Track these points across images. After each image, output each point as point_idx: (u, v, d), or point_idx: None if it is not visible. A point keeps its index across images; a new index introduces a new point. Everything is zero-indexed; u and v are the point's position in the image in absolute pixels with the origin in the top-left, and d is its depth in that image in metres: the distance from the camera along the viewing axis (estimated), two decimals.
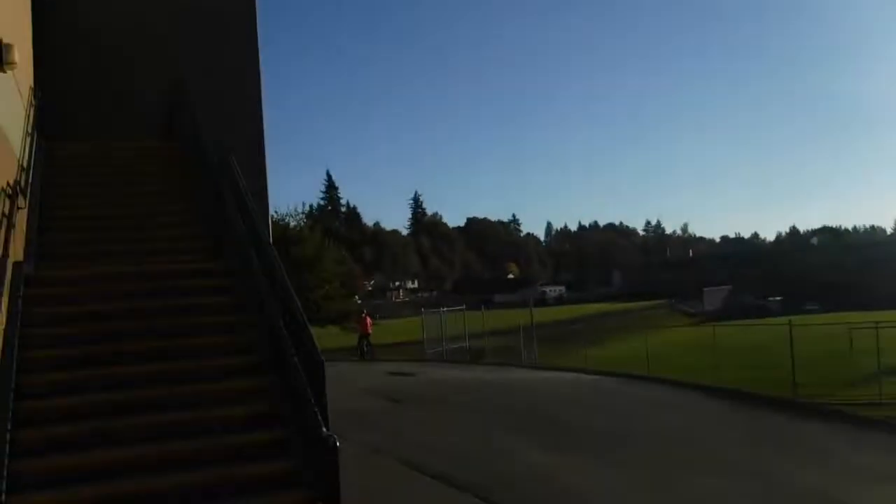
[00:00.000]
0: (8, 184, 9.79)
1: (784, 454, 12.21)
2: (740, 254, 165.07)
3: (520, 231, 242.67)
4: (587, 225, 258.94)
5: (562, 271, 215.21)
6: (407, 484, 10.53)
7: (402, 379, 23.14)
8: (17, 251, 9.70)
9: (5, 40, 9.59)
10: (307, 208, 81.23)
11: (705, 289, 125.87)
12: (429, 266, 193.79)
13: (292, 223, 48.33)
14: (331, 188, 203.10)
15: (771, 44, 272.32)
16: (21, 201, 10.42)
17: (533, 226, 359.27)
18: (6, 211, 9.40)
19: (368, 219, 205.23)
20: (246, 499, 7.70)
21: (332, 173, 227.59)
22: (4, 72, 9.77)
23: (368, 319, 39.35)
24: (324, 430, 7.25)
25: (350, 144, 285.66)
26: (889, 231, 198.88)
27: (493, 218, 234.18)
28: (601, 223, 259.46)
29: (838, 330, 30.04)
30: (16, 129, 11.14)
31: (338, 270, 47.84)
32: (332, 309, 45.37)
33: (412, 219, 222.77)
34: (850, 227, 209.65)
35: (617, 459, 11.68)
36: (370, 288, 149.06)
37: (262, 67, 17.98)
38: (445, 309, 39.84)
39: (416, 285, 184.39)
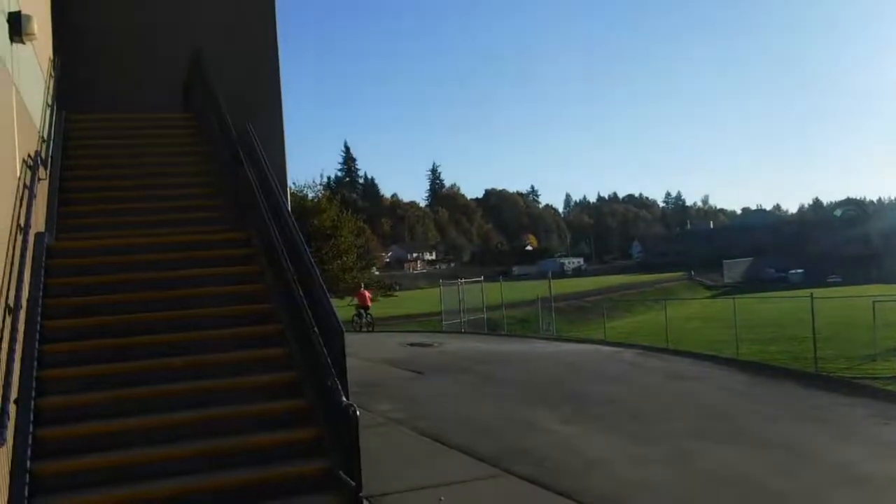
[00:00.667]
0: (29, 155, 9.84)
1: (806, 427, 12.11)
2: (762, 226, 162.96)
3: (538, 202, 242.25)
4: (606, 196, 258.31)
5: (581, 243, 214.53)
6: (426, 454, 10.53)
7: (421, 350, 23.16)
8: (38, 222, 9.75)
9: (24, 11, 9.59)
10: (325, 180, 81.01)
11: (725, 261, 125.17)
12: (447, 237, 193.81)
13: (310, 195, 48.28)
14: (349, 160, 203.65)
15: (793, 14, 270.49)
16: (42, 172, 10.48)
17: (552, 197, 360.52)
18: (27, 182, 9.44)
19: (386, 190, 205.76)
20: (266, 468, 7.76)
21: (350, 145, 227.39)
22: (24, 43, 9.77)
23: (367, 293, 39.50)
24: (344, 399, 7.26)
25: (368, 116, 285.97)
26: None
27: (512, 189, 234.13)
28: (621, 195, 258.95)
29: (861, 303, 29.74)
30: (36, 101, 11.17)
31: (355, 242, 47.79)
32: (350, 280, 45.37)
33: (430, 190, 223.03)
34: (874, 198, 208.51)
35: (638, 431, 11.63)
36: (388, 259, 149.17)
37: (280, 37, 17.95)
38: (463, 280, 39.80)
39: (433, 257, 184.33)
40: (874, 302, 26.62)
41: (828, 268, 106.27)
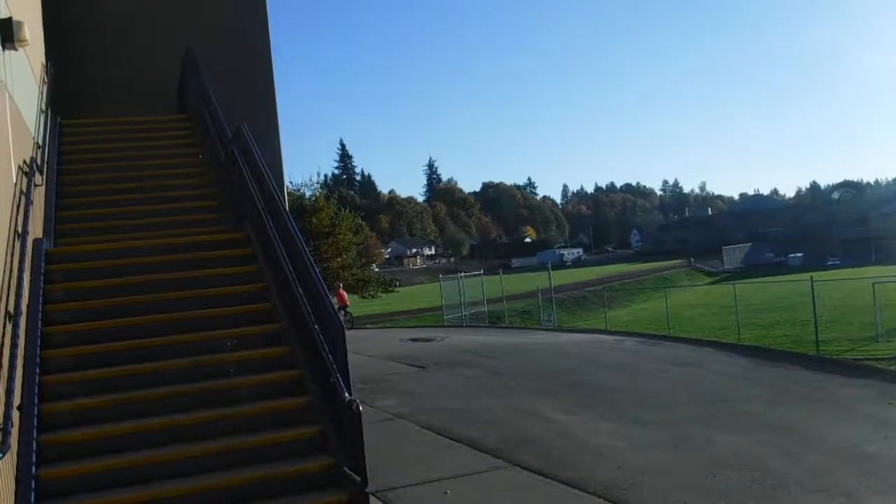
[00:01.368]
0: (24, 161, 9.84)
1: (810, 409, 12.13)
2: (760, 211, 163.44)
3: (536, 194, 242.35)
4: (604, 186, 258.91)
5: (580, 234, 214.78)
6: (431, 448, 10.57)
7: (423, 345, 23.19)
8: (36, 228, 9.75)
9: (16, 18, 9.58)
10: (322, 178, 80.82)
11: (725, 247, 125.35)
12: (445, 232, 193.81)
13: (307, 193, 48.25)
14: (345, 157, 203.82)
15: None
16: (38, 178, 10.48)
17: (549, 188, 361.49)
18: (24, 188, 9.44)
19: (383, 187, 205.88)
20: (272, 466, 7.77)
21: (345, 143, 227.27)
22: (17, 49, 9.77)
23: (344, 293, 39.58)
24: (346, 395, 7.27)
25: (363, 113, 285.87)
26: None
27: (509, 182, 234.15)
28: (618, 184, 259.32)
29: (860, 285, 29.85)
30: (30, 107, 11.17)
31: (354, 239, 47.75)
32: (350, 277, 45.35)
33: (427, 185, 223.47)
34: (871, 180, 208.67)
35: (641, 418, 11.67)
36: (387, 256, 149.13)
37: (272, 35, 17.95)
38: (463, 274, 39.85)
39: (433, 252, 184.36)
40: (874, 283, 26.79)
41: (827, 251, 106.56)
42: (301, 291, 8.75)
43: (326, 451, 7.91)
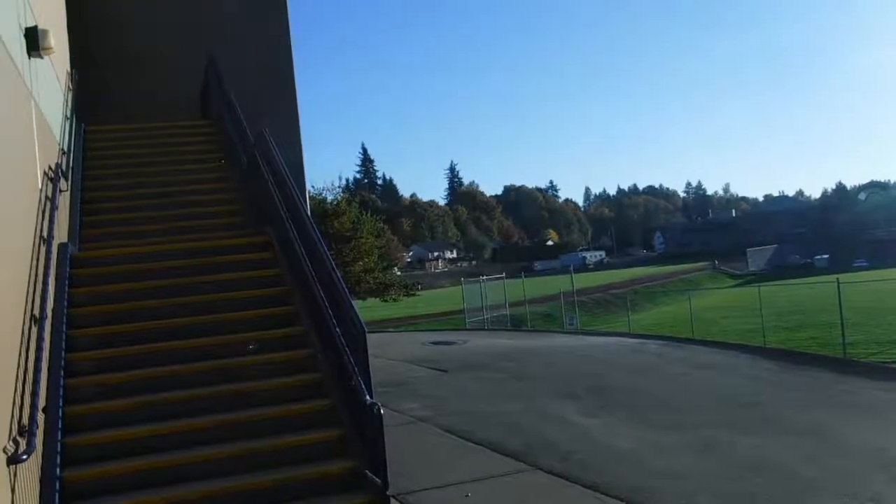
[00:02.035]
0: (49, 167, 9.94)
1: (837, 413, 12.00)
2: (785, 212, 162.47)
3: (558, 197, 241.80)
4: (626, 189, 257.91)
5: (602, 236, 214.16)
6: (452, 451, 10.56)
7: (445, 348, 23.16)
8: (61, 233, 9.85)
9: (41, 26, 9.68)
10: (344, 182, 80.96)
11: (749, 249, 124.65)
12: (467, 235, 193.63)
13: (329, 197, 48.31)
14: (366, 161, 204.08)
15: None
16: (63, 184, 10.58)
17: (571, 191, 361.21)
18: (49, 194, 9.54)
19: (405, 190, 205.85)
20: (291, 469, 7.81)
21: (367, 147, 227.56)
22: (42, 57, 9.87)
23: None
24: (367, 398, 7.29)
25: (385, 117, 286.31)
26: None
27: (531, 185, 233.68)
28: (640, 186, 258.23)
29: (888, 287, 29.50)
30: (55, 114, 11.28)
31: (376, 243, 47.75)
32: (371, 281, 45.39)
33: (449, 189, 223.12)
34: None
35: (665, 422, 11.61)
36: (409, 259, 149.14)
37: (294, 40, 18.01)
38: (485, 277, 39.79)
39: (454, 255, 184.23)
40: None
41: (854, 252, 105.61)
42: (322, 295, 8.78)
43: (347, 454, 7.94)
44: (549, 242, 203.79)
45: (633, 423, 11.64)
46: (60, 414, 7.50)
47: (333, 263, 8.91)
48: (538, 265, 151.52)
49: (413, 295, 52.89)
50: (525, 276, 46.66)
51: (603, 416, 12.16)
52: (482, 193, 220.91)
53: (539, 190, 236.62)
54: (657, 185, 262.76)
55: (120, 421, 8.17)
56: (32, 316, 7.62)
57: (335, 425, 8.30)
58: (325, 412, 8.51)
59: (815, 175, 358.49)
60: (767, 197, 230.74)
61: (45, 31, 9.63)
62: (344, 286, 8.43)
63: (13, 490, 5.83)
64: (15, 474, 5.90)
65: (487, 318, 35.93)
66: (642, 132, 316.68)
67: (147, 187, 13.01)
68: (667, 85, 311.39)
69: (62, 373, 8.01)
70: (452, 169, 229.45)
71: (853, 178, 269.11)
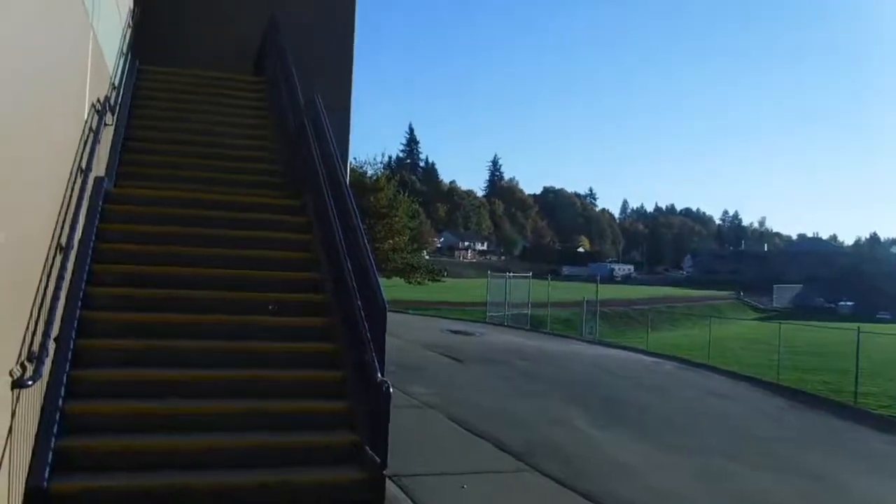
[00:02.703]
0: (98, 99, 9.92)
1: (839, 458, 11.97)
2: (816, 254, 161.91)
3: (595, 205, 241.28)
4: (664, 207, 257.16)
5: (633, 251, 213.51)
6: (455, 441, 10.53)
7: (463, 338, 23.16)
8: (99, 167, 9.84)
9: None
10: (386, 159, 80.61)
11: (776, 285, 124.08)
12: (500, 230, 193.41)
13: (370, 172, 48.25)
14: (412, 142, 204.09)
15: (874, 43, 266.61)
16: (109, 118, 10.56)
17: (609, 202, 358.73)
18: (94, 126, 9.52)
19: (445, 176, 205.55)
20: (295, 434, 7.80)
21: (414, 127, 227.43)
22: None
23: None
24: (379, 375, 7.25)
25: (436, 100, 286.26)
26: None
27: (570, 189, 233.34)
28: (678, 207, 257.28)
29: None
30: (111, 47, 11.26)
31: (409, 224, 47.66)
32: (399, 261, 45.35)
33: (489, 181, 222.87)
34: None
35: (668, 442, 11.55)
36: (439, 245, 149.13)
37: (358, 9, 17.86)
38: (512, 274, 39.69)
39: (485, 247, 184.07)
40: None
41: (878, 304, 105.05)
42: (350, 266, 8.74)
43: (352, 428, 7.90)
44: (580, 249, 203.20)
45: (637, 439, 11.58)
46: (72, 346, 7.50)
47: (365, 236, 8.86)
48: (566, 270, 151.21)
49: (438, 281, 52.80)
50: (551, 279, 46.45)
51: (608, 428, 12.11)
52: (521, 191, 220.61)
53: (577, 195, 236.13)
54: (694, 209, 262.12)
55: (130, 360, 8.16)
56: (59, 244, 7.61)
57: (343, 398, 8.27)
58: (336, 383, 8.47)
59: (851, 222, 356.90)
60: (801, 236, 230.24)
61: None
62: (372, 261, 8.38)
63: (13, 415, 5.81)
64: (17, 399, 5.88)
65: (508, 315, 35.86)
66: (689, 153, 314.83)
67: (192, 134, 12.95)
68: (722, 112, 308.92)
69: (79, 304, 8.01)
70: (495, 162, 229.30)
71: (888, 231, 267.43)
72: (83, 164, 8.87)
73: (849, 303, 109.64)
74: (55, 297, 7.01)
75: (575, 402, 13.82)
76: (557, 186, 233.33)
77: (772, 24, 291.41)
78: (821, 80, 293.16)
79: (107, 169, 10.56)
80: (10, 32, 5.54)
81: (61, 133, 7.86)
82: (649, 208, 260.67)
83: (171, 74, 14.82)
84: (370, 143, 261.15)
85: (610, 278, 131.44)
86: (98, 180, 9.60)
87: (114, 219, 9.82)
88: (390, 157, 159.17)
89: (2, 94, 5.41)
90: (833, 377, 30.14)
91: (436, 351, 18.94)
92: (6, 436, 5.64)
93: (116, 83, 11.77)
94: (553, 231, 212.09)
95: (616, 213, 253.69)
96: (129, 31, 13.33)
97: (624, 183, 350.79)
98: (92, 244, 8.86)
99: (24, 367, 6.11)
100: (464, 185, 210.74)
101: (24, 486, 6.13)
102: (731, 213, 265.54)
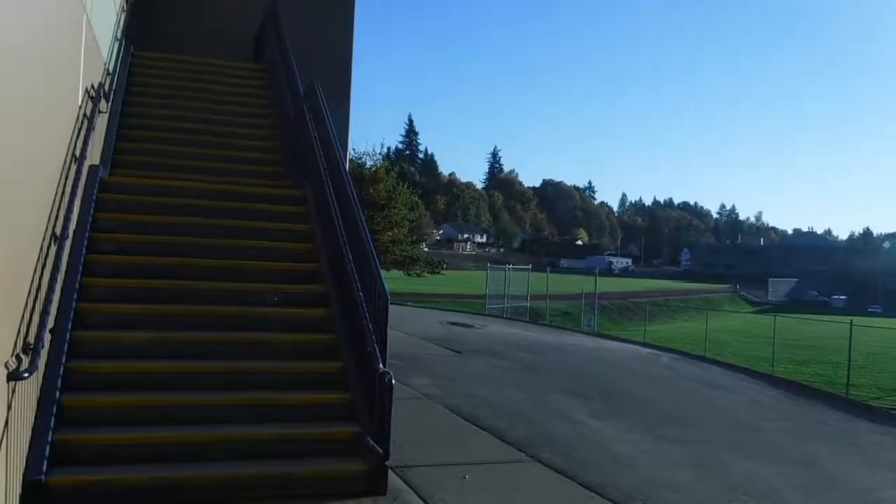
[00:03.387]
0: (92, 85, 9.78)
1: (833, 448, 11.99)
2: (811, 249, 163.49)
3: (594, 198, 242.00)
4: (662, 201, 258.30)
5: (631, 244, 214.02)
6: (456, 432, 10.46)
7: (462, 330, 23.09)
8: (94, 154, 9.71)
9: None
10: (385, 150, 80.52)
11: (771, 279, 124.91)
12: (499, 222, 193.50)
13: (369, 163, 48.16)
14: (411, 133, 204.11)
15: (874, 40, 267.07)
16: (103, 105, 10.43)
17: (608, 195, 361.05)
18: (88, 112, 9.39)
19: (445, 168, 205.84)
20: (296, 425, 7.77)
21: (413, 118, 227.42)
22: None
23: None
24: (381, 366, 7.17)
25: (436, 91, 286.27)
26: None
27: (569, 182, 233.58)
28: (676, 200, 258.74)
29: None
30: (105, 32, 11.10)
31: (408, 216, 47.62)
32: (398, 253, 45.35)
33: (488, 173, 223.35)
34: None
35: (667, 434, 11.51)
36: (438, 237, 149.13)
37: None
38: (511, 266, 39.68)
39: (484, 240, 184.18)
40: None
41: (870, 298, 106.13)
42: (350, 257, 8.65)
43: (353, 419, 7.84)
44: (579, 242, 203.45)
45: (637, 430, 11.55)
46: (68, 338, 7.40)
47: (366, 226, 8.77)
48: (564, 263, 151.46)
49: (437, 273, 52.91)
50: (550, 272, 46.47)
51: (608, 419, 12.06)
52: (520, 183, 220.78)
53: (577, 188, 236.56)
54: (692, 203, 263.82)
55: (128, 352, 8.06)
56: (53, 234, 7.49)
57: (345, 389, 8.19)
58: (337, 375, 8.41)
59: (845, 217, 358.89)
60: (797, 231, 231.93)
61: None
62: (374, 252, 8.29)
63: (10, 407, 5.70)
64: (13, 391, 5.77)
65: (507, 307, 35.83)
66: (688, 148, 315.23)
67: (188, 122, 12.84)
68: (722, 107, 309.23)
69: (75, 296, 7.92)
70: (495, 154, 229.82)
71: (882, 226, 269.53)
72: (77, 152, 8.72)
73: (842, 297, 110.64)
74: (50, 289, 6.90)
75: (575, 394, 13.77)
76: (557, 179, 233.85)
77: (774, 23, 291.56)
78: (818, 78, 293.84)
79: (102, 157, 10.46)
80: (1, 15, 5.41)
81: (54, 119, 7.72)
82: (647, 202, 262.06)
83: (168, 61, 14.68)
84: (369, 135, 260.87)
85: (608, 271, 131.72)
86: (93, 168, 9.50)
87: (110, 208, 9.72)
88: (389, 149, 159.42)
89: None
90: (826, 369, 30.68)
91: (435, 343, 18.86)
92: (2, 428, 5.53)
93: (111, 69, 11.63)
94: (552, 224, 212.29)
95: (615, 206, 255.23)
96: (124, 15, 13.16)
97: (623, 176, 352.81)
98: (87, 234, 8.77)
99: (19, 360, 6.00)
100: (463, 176, 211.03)
101: (21, 479, 6.04)
102: (728, 207, 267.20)
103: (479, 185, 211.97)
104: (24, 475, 6.08)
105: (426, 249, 76.38)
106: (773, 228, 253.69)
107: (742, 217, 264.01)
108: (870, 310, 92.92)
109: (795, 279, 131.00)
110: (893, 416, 16.06)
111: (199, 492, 6.78)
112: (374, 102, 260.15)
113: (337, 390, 8.22)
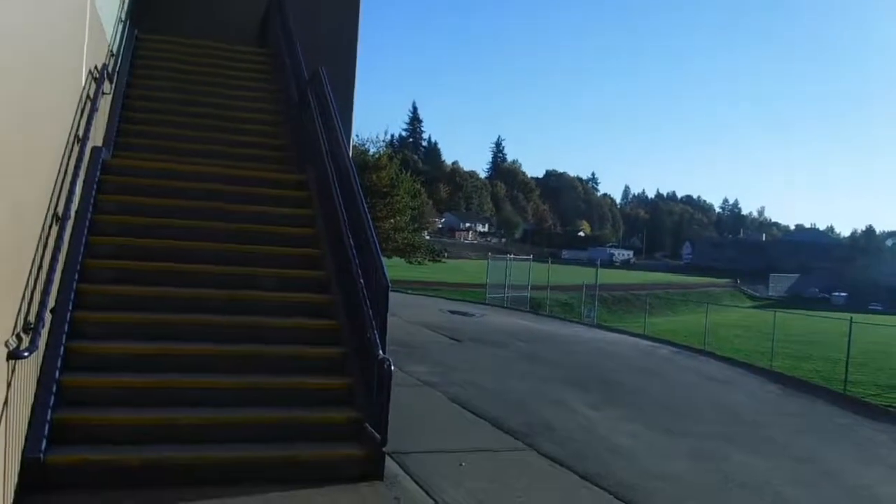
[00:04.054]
0: (96, 67, 9.75)
1: (830, 443, 12.11)
2: (812, 245, 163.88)
3: (597, 190, 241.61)
4: (665, 194, 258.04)
5: (633, 237, 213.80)
6: (454, 420, 10.48)
7: (462, 319, 23.13)
8: (96, 136, 9.69)
9: None
10: (389, 137, 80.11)
11: (772, 274, 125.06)
12: (502, 212, 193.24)
13: (372, 150, 48.02)
14: (415, 121, 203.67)
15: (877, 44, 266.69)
16: (107, 86, 10.40)
17: (611, 187, 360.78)
18: (91, 94, 9.36)
19: (448, 157, 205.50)
20: (295, 410, 7.77)
21: (418, 106, 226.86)
22: None
23: None
24: (380, 352, 7.17)
25: (441, 79, 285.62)
26: None
27: (573, 173, 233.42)
28: (679, 194, 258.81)
29: None
30: (109, 13, 11.05)
31: (411, 203, 47.49)
32: (400, 241, 45.25)
33: (491, 163, 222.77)
34: None
35: (664, 425, 11.56)
36: (440, 225, 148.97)
37: None
38: (512, 256, 39.68)
39: (486, 229, 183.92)
40: None
41: (871, 295, 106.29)
42: (352, 243, 8.65)
43: (352, 404, 7.86)
44: (581, 233, 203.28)
45: (635, 421, 11.58)
46: (68, 318, 7.41)
47: (367, 213, 8.76)
48: (566, 254, 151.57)
49: (438, 261, 52.78)
50: (551, 262, 46.44)
51: (607, 410, 12.09)
52: (523, 173, 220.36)
53: (580, 180, 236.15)
54: (695, 196, 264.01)
55: (128, 334, 8.06)
56: (55, 214, 7.48)
57: (345, 374, 8.22)
58: (338, 360, 8.42)
59: (847, 214, 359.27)
60: (799, 227, 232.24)
61: None
62: (375, 238, 8.29)
63: (9, 385, 5.71)
64: (13, 370, 5.78)
65: (508, 297, 35.83)
66: (692, 141, 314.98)
67: (192, 105, 12.80)
68: (726, 100, 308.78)
69: (76, 277, 7.92)
70: (498, 144, 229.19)
71: (884, 224, 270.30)
72: (80, 133, 8.70)
73: (842, 293, 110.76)
74: (51, 269, 6.89)
75: (573, 384, 13.79)
76: (560, 170, 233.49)
77: (779, 12, 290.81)
78: (821, 73, 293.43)
79: (104, 139, 10.44)
80: None
81: (57, 99, 7.69)
82: (650, 194, 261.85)
83: (172, 43, 14.62)
84: (373, 122, 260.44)
85: (609, 263, 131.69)
86: (96, 150, 9.49)
87: (112, 190, 9.72)
88: (393, 136, 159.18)
89: None
90: (824, 365, 30.84)
91: (435, 331, 18.88)
92: (2, 406, 5.54)
93: (114, 51, 11.60)
94: (554, 214, 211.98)
95: (617, 198, 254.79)
96: None
97: (626, 168, 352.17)
98: (89, 215, 8.77)
99: (19, 339, 6.00)
100: (466, 165, 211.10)
101: (20, 457, 6.06)
102: (731, 201, 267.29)
103: (483, 175, 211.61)
104: (23, 453, 6.11)
105: (428, 237, 76.33)
106: (776, 224, 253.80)
107: (745, 212, 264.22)
108: (870, 307, 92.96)
109: (796, 275, 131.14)
110: (890, 413, 16.19)
111: (201, 474, 6.80)
112: (379, 90, 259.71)
113: (337, 376, 8.24)
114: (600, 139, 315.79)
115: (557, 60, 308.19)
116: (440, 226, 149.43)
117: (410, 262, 48.41)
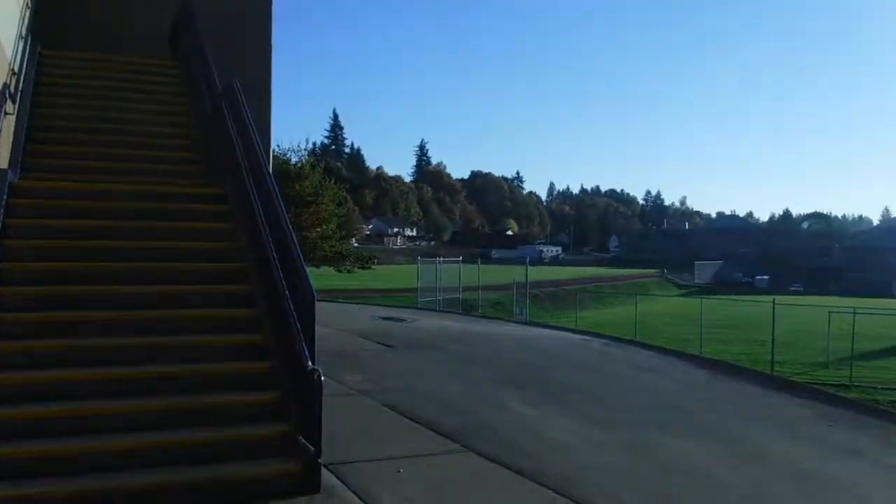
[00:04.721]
0: None
1: (757, 424, 12.39)
2: (734, 231, 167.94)
3: (522, 188, 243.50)
4: (589, 189, 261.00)
5: (560, 233, 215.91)
6: (390, 426, 10.41)
7: (394, 324, 23.03)
8: (1, 158, 9.40)
9: None
10: (310, 146, 79.52)
11: (697, 262, 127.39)
12: (429, 215, 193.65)
13: (294, 159, 47.67)
14: (336, 128, 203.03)
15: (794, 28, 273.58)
16: (10, 107, 10.11)
17: (536, 185, 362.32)
18: None
19: (372, 162, 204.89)
20: (224, 428, 7.57)
21: (338, 113, 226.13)
22: None
23: None
24: (309, 364, 7.04)
25: (360, 85, 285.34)
26: (875, 222, 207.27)
27: (497, 173, 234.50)
28: (603, 188, 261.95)
29: (819, 312, 30.99)
30: (8, 31, 10.75)
31: (336, 211, 47.28)
32: (328, 249, 45.03)
33: (416, 166, 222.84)
34: (839, 215, 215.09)
35: (599, 417, 11.67)
36: (368, 232, 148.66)
37: None
38: (442, 259, 39.71)
39: (414, 233, 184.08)
40: (830, 313, 28.40)
41: (791, 277, 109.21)
42: (275, 255, 8.49)
43: (283, 419, 7.73)
44: (509, 232, 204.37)
45: (570, 416, 11.66)
46: None
47: (289, 223, 8.62)
48: (495, 253, 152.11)
49: (368, 268, 52.69)
50: (482, 263, 46.60)
51: (541, 407, 12.14)
52: (449, 175, 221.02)
53: (505, 179, 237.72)
54: (619, 190, 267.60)
55: (43, 363, 7.78)
56: None
57: (273, 388, 8.06)
58: (265, 375, 8.27)
59: (766, 199, 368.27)
60: (720, 214, 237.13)
61: None
62: (298, 249, 8.17)
63: None
64: None
65: (440, 300, 35.87)
66: (612, 135, 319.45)
67: (102, 122, 12.49)
68: (641, 93, 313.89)
69: None
70: (422, 147, 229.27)
71: (800, 207, 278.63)
72: None
73: (765, 277, 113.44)
74: None
75: (508, 383, 13.81)
76: (485, 170, 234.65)
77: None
78: (740, 63, 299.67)
79: (10, 160, 10.11)
80: None
81: None
82: (575, 190, 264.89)
83: (78, 59, 14.26)
84: (293, 131, 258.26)
85: (539, 260, 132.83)
86: (2, 173, 9.20)
87: (21, 214, 9.41)
88: (315, 144, 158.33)
89: None
90: (752, 348, 31.82)
91: (367, 338, 18.76)
92: None
93: (16, 69, 11.26)
94: (482, 215, 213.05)
95: (543, 195, 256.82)
96: (28, 12, 12.72)
97: (550, 166, 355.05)
98: None
99: None
100: (391, 170, 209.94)
101: None
102: (653, 193, 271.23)
103: (408, 179, 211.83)
104: None
105: (356, 245, 76.07)
106: (698, 213, 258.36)
107: (667, 202, 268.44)
108: (791, 288, 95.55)
109: (720, 261, 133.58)
110: (815, 390, 16.62)
111: (126, 502, 6.57)
112: (298, 97, 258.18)
113: (265, 390, 8.08)
114: (523, 138, 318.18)
115: (479, 62, 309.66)
116: (368, 232, 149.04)
117: (340, 271, 48.25)
